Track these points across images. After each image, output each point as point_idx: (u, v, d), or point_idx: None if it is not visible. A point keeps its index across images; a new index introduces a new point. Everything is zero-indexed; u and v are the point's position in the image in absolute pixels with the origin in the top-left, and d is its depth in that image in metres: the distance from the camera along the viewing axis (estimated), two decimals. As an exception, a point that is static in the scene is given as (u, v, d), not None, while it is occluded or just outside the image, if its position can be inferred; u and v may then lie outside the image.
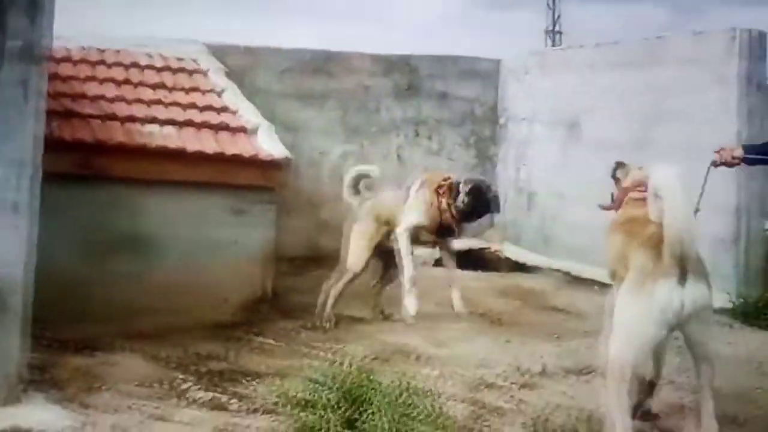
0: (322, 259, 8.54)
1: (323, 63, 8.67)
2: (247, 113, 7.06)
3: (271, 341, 6.13)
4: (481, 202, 6.34)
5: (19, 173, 4.32)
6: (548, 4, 43.39)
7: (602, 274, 7.63)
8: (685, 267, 3.36)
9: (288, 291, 7.24)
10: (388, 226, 6.72)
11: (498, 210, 6.56)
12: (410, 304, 6.33)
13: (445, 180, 6.48)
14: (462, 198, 6.28)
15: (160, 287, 6.08)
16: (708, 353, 3.67)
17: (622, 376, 3.56)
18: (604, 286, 7.57)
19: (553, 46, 34.39)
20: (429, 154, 9.05)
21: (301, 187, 8.30)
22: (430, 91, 9.07)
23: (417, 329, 6.45)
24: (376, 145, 8.83)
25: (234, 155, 6.44)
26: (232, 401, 4.70)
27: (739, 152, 4.56)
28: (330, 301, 6.70)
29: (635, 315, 3.54)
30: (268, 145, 6.69)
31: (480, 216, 6.47)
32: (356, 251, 6.76)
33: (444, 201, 6.37)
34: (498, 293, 7.63)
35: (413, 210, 6.49)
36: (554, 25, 37.26)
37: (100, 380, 4.91)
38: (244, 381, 5.12)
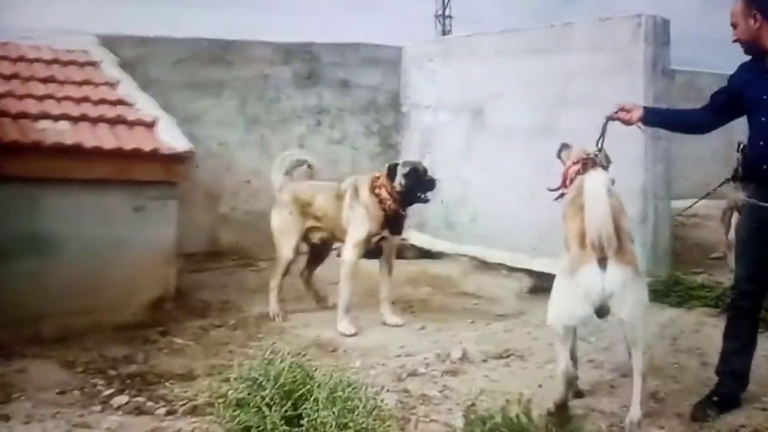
0: (222, 254, 8.38)
1: (221, 52, 8.37)
2: (145, 105, 6.78)
3: (180, 341, 5.95)
4: (418, 183, 6.27)
5: None
6: None
7: (509, 257, 7.79)
8: (605, 255, 3.82)
9: (191, 288, 7.05)
10: (310, 221, 6.64)
11: (433, 189, 6.38)
12: (345, 328, 6.14)
13: (376, 177, 6.38)
14: (399, 180, 6.21)
15: (61, 288, 5.80)
16: (636, 336, 4.02)
17: (556, 333, 4.21)
18: (511, 269, 7.73)
19: (444, 31, 34.60)
20: (331, 143, 8.92)
21: (198, 180, 8.02)
22: (332, 79, 8.90)
23: (331, 321, 6.36)
24: (277, 135, 8.61)
25: (134, 150, 6.14)
26: (156, 405, 4.53)
27: (638, 113, 4.61)
28: (272, 295, 6.60)
29: (565, 294, 4.08)
30: (169, 137, 6.42)
31: (418, 198, 6.32)
32: (283, 238, 6.67)
33: (383, 192, 6.26)
34: (406, 281, 7.58)
35: (357, 222, 6.34)
36: (444, 10, 37.42)
37: (18, 389, 4.69)
38: (164, 383, 4.95)
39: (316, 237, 6.72)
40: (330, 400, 3.59)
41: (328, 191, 6.61)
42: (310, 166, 6.95)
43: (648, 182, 6.72)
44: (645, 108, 4.70)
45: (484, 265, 7.96)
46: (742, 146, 6.05)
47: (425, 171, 6.36)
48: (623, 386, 4.79)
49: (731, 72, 4.51)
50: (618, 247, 3.87)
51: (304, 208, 6.63)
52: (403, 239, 7.25)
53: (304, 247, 6.83)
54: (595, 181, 4.12)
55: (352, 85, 9.01)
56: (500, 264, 7.78)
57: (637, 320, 3.99)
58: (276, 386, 3.64)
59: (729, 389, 4.44)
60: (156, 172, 6.31)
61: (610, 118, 4.76)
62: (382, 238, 6.38)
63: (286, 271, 6.70)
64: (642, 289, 4.05)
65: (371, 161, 9.07)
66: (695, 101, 7.69)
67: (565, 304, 4.06)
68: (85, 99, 6.57)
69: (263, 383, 3.67)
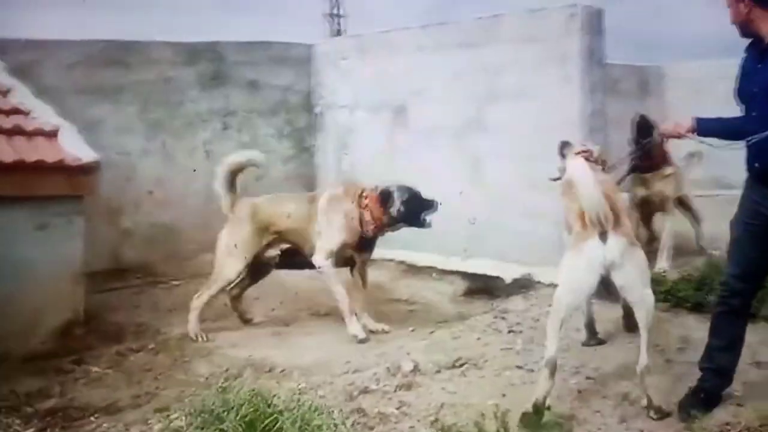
0: (126, 272, 7.74)
1: (119, 54, 7.70)
2: (42, 114, 6.15)
3: (97, 369, 5.39)
4: (420, 207, 5.99)
5: None
6: None
7: (439, 260, 7.48)
8: (605, 229, 4.17)
9: (99, 310, 6.42)
10: (271, 236, 6.17)
11: (435, 211, 6.03)
12: (357, 331, 5.84)
13: (363, 191, 6.03)
14: (398, 207, 5.92)
15: (-41, 317, 5.13)
16: (636, 296, 4.25)
17: (558, 311, 4.30)
18: (443, 272, 7.41)
19: (336, 31, 34.20)
20: (240, 147, 8.31)
21: (98, 193, 7.37)
22: (239, 79, 8.37)
23: (263, 337, 5.89)
24: (181, 141, 8.03)
25: (36, 162, 5.52)
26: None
27: (690, 124, 4.46)
28: (193, 315, 6.06)
29: (573, 267, 4.32)
30: (73, 147, 5.83)
31: (420, 222, 6.03)
32: (230, 258, 6.15)
33: (369, 213, 5.94)
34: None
35: (333, 230, 5.98)
36: (336, 9, 36.98)
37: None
38: (89, 418, 4.46)
39: (272, 251, 6.25)
40: (298, 429, 3.17)
41: (297, 200, 6.29)
42: (256, 166, 6.43)
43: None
44: (697, 119, 4.48)
45: (413, 270, 7.64)
46: None
47: (420, 193, 6.04)
48: (590, 390, 4.55)
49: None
50: (615, 221, 4.19)
51: (263, 224, 6.15)
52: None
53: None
54: (575, 167, 4.40)
55: (261, 85, 8.52)
56: (430, 267, 7.46)
57: (637, 282, 4.23)
58: (237, 417, 3.18)
59: (711, 385, 4.25)
60: (60, 186, 5.74)
61: (663, 135, 4.98)
62: (351, 257, 6.13)
63: (220, 292, 6.22)
64: (639, 256, 4.29)
65: (284, 165, 8.63)
66: (611, 93, 7.69)
67: (573, 277, 4.30)
68: (-25, 109, 5.91)
69: (222, 414, 3.20)
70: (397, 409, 4.45)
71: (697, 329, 5.16)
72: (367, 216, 5.93)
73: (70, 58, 7.52)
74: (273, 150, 8.59)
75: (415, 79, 7.69)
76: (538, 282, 6.62)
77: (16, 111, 6.05)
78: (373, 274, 7.63)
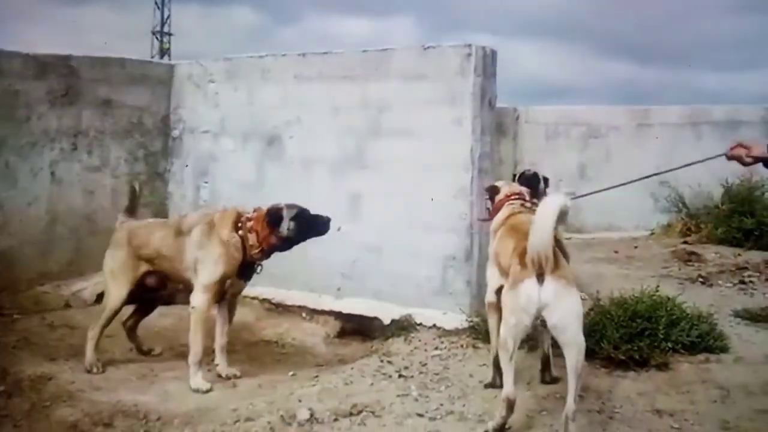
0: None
1: (-37, 62, 6.89)
2: None
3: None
4: (311, 225, 5.51)
5: None
6: (156, 4, 41.47)
7: (310, 299, 7.14)
8: (543, 270, 4.24)
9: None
10: (148, 264, 5.67)
11: (326, 230, 5.56)
12: (199, 384, 5.29)
13: (240, 215, 5.52)
14: (287, 225, 5.41)
15: None
16: (568, 338, 4.24)
17: (507, 350, 4.36)
18: (313, 312, 7.07)
19: (162, 49, 32.96)
20: (89, 170, 7.69)
21: None
22: (92, 97, 7.67)
23: (128, 380, 5.34)
24: (25, 161, 7.23)
25: None
26: None
27: (760, 150, 4.36)
28: (89, 345, 5.59)
29: (511, 306, 4.39)
30: None
31: (302, 240, 5.53)
32: (113, 283, 5.68)
33: (255, 236, 5.43)
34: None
35: (209, 262, 5.43)
36: (162, 26, 35.61)
37: None
38: None
39: (152, 281, 5.75)
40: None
41: (165, 228, 5.74)
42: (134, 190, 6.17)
43: (474, 219, 6.42)
44: None
45: (279, 308, 7.23)
46: None
47: (308, 211, 5.56)
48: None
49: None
50: (554, 264, 4.25)
51: (138, 250, 5.66)
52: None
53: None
54: (548, 205, 4.31)
55: (115, 104, 7.87)
56: (300, 306, 7.10)
57: (568, 324, 4.24)
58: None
59: None
60: None
61: (729, 157, 4.62)
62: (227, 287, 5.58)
63: (111, 320, 5.71)
64: (574, 298, 4.32)
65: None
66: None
67: (510, 315, 4.35)
68: None
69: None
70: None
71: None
72: (252, 239, 5.45)
73: None
74: (124, 174, 7.97)
75: (292, 109, 7.34)
76: (420, 324, 6.44)
77: None
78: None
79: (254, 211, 5.57)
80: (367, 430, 4.61)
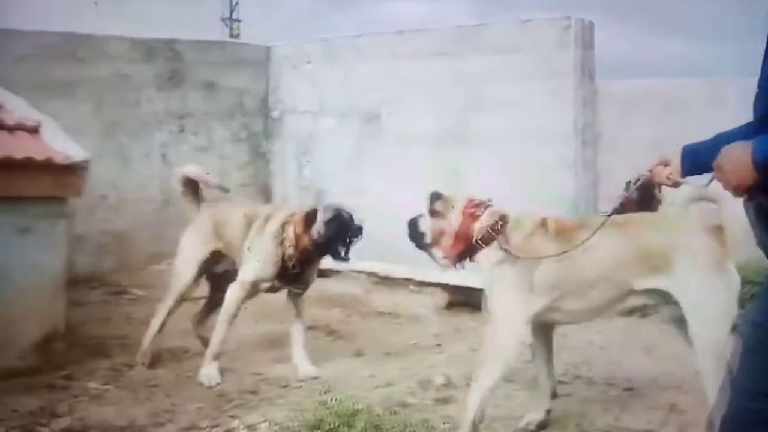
0: (79, 282, 7.13)
1: (73, 47, 7.18)
2: (18, 107, 5.62)
3: (95, 385, 4.96)
4: (342, 234, 5.07)
5: None
6: None
7: (417, 272, 7.33)
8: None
9: (70, 323, 5.85)
10: (222, 245, 5.44)
11: (358, 236, 5.13)
12: (206, 377, 5.05)
13: (291, 215, 5.23)
14: (319, 228, 5.06)
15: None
16: None
17: None
18: (421, 284, 7.26)
19: (231, 34, 33.35)
20: (197, 151, 7.97)
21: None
22: (196, 80, 7.97)
23: (262, 352, 5.60)
24: (137, 143, 7.56)
25: (25, 159, 5.00)
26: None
27: (677, 162, 3.20)
28: (148, 335, 5.44)
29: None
30: (60, 145, 5.34)
31: (337, 254, 5.12)
32: (182, 266, 5.49)
33: (292, 232, 5.12)
34: (311, 302, 6.85)
35: (251, 258, 5.18)
36: (231, 13, 36.05)
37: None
38: None
39: (218, 265, 5.54)
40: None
41: (244, 212, 5.46)
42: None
43: (580, 191, 6.55)
44: (683, 151, 3.24)
45: (386, 282, 7.44)
46: None
47: (351, 217, 5.19)
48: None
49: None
50: None
51: (217, 229, 5.47)
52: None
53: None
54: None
55: (217, 87, 8.15)
56: (407, 279, 7.29)
57: None
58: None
59: None
60: (46, 187, 5.21)
61: (644, 182, 3.56)
62: (274, 287, 5.33)
63: (176, 308, 5.51)
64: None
65: (240, 171, 8.26)
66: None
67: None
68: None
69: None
70: (444, 423, 4.30)
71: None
72: (290, 236, 5.12)
73: (18, 50, 6.96)
74: (228, 156, 8.25)
75: (388, 87, 7.55)
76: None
77: (-16, 104, 5.50)
78: (343, 286, 7.50)
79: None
80: (501, 393, 4.79)
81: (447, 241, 4.08)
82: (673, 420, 4.33)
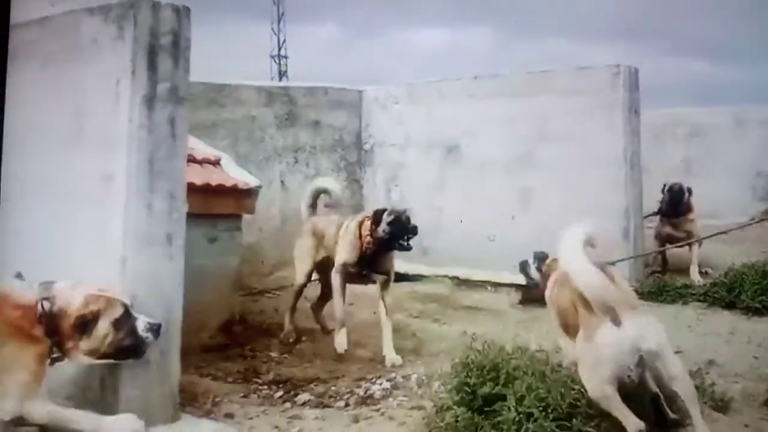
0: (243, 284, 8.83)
1: (214, 94, 8.99)
2: (196, 144, 7.33)
3: (276, 354, 6.67)
4: (402, 230, 6.51)
5: (171, 207, 4.59)
6: (273, 30, 44.42)
7: (493, 275, 8.93)
8: (615, 313, 4.13)
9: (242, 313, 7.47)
10: (325, 250, 7.07)
11: (415, 236, 6.61)
12: (339, 342, 6.46)
13: (367, 217, 6.77)
14: (383, 227, 6.48)
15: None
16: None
17: (610, 400, 4.17)
18: (497, 285, 8.88)
19: (279, 71, 35.35)
20: (307, 179, 9.68)
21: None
22: (306, 120, 9.76)
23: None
24: (263, 172, 9.26)
25: (218, 185, 6.74)
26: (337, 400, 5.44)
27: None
28: (286, 317, 7.18)
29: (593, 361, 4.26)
30: (235, 173, 7.08)
31: (401, 245, 6.56)
32: (298, 265, 7.25)
33: (366, 231, 6.58)
34: (406, 298, 8.49)
35: (340, 248, 6.74)
36: (279, 50, 38.23)
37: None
38: (310, 385, 5.80)
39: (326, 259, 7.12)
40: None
41: (336, 222, 7.02)
42: (328, 193, 7.53)
43: (630, 201, 8.23)
44: None
45: (465, 284, 9.03)
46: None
47: (408, 219, 6.58)
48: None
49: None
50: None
51: (319, 240, 7.09)
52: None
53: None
54: (563, 247, 4.57)
55: (322, 125, 9.92)
56: (484, 281, 8.92)
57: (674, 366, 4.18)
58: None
59: None
60: (229, 206, 6.97)
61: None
62: (362, 275, 6.73)
63: (299, 295, 7.23)
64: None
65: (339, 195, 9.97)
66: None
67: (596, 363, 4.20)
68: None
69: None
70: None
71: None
72: (365, 231, 6.55)
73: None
74: (332, 181, 9.99)
75: (466, 122, 9.25)
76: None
77: (186, 145, 7.24)
78: (431, 288, 9.13)
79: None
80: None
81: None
82: None
